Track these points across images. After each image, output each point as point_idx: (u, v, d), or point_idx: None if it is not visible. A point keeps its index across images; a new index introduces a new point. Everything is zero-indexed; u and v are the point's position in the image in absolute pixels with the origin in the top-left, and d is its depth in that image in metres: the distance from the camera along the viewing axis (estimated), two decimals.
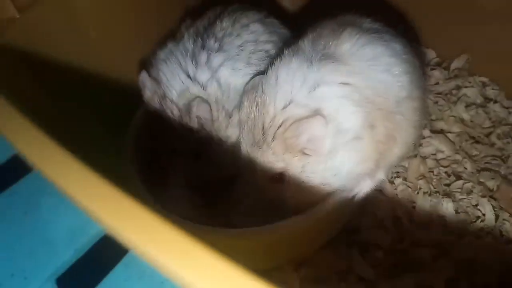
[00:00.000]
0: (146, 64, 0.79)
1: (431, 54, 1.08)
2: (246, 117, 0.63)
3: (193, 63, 0.72)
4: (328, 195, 0.64)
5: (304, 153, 0.59)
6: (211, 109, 0.70)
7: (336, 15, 0.72)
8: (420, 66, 0.74)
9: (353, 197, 0.69)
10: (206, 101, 0.69)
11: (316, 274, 0.75)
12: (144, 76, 0.74)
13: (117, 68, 0.83)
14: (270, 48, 0.76)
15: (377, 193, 0.82)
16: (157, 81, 0.73)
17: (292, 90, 0.59)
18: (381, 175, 0.70)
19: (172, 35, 0.80)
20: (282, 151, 0.59)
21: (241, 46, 0.74)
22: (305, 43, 0.65)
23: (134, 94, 0.82)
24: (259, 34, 0.76)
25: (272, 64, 0.64)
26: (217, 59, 0.72)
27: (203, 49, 0.72)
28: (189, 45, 0.74)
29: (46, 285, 0.80)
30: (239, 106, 0.67)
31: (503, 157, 0.90)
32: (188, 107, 0.69)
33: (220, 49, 0.73)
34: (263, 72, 0.66)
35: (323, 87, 0.59)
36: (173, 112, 0.71)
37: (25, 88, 0.66)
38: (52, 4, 0.73)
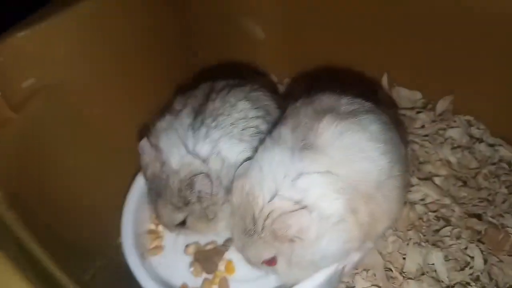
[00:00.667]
0: (146, 132, 0.82)
1: (417, 96, 1.11)
2: (238, 204, 0.67)
3: (193, 136, 0.76)
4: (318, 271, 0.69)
5: (293, 240, 0.63)
6: (212, 184, 0.74)
7: (314, 95, 0.75)
8: (400, 134, 0.77)
9: (343, 268, 0.73)
10: (209, 177, 0.73)
11: None
12: (144, 143, 0.77)
13: (114, 144, 0.87)
14: (259, 123, 0.80)
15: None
16: (157, 148, 0.77)
17: (276, 182, 0.63)
18: (369, 245, 0.74)
19: (166, 109, 0.84)
20: (272, 239, 0.63)
21: (233, 124, 0.77)
22: (286, 131, 0.69)
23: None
24: (247, 111, 0.79)
25: (257, 153, 0.69)
26: (215, 134, 0.76)
27: (202, 124, 0.76)
28: (187, 119, 0.78)
29: None
30: (231, 190, 0.71)
31: (490, 197, 0.93)
32: (191, 181, 0.73)
33: (216, 126, 0.77)
34: (251, 157, 0.71)
35: (305, 178, 0.63)
36: (174, 181, 0.74)
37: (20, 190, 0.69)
38: (49, 96, 0.76)
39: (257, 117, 0.80)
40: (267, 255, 0.65)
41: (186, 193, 0.74)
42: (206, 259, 0.83)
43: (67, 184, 0.80)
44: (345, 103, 0.73)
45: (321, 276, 0.70)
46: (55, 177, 0.77)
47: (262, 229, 0.63)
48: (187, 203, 0.74)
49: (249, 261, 0.69)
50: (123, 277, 0.80)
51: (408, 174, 0.82)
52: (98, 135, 0.85)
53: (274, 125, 0.74)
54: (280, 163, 0.64)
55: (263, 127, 0.80)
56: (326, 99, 0.74)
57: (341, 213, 0.63)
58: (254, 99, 0.82)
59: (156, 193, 0.76)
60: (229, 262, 0.83)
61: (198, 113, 0.78)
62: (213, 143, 0.75)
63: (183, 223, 0.77)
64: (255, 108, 0.81)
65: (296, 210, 0.60)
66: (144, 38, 0.90)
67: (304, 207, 0.61)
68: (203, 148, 0.75)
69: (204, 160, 0.74)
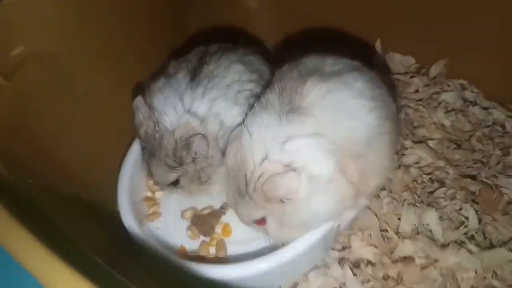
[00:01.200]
0: (140, 91, 0.82)
1: (410, 61, 1.11)
2: (231, 166, 0.68)
3: (190, 95, 0.76)
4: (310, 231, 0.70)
5: (283, 201, 0.63)
6: (208, 146, 0.74)
7: (300, 58, 0.75)
8: (390, 91, 0.77)
9: (338, 226, 0.74)
10: (206, 139, 0.73)
11: None
12: (139, 100, 0.77)
13: (107, 111, 0.87)
14: (253, 87, 0.80)
15: (365, 209, 0.86)
16: (151, 107, 0.76)
17: (265, 146, 0.64)
18: (363, 202, 0.75)
19: (160, 73, 0.84)
20: (263, 201, 0.64)
21: (228, 86, 0.78)
22: (273, 96, 0.69)
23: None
24: (241, 74, 0.80)
25: (247, 119, 0.69)
26: (213, 93, 0.76)
27: (199, 84, 0.77)
28: (184, 80, 0.78)
29: None
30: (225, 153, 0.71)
31: (484, 159, 0.94)
32: (187, 142, 0.73)
33: (213, 87, 0.77)
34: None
35: (293, 140, 0.63)
36: (169, 141, 0.74)
37: (15, 153, 0.70)
38: (40, 63, 0.76)
39: (251, 80, 0.80)
40: (258, 215, 0.66)
41: (182, 153, 0.74)
42: (203, 222, 0.83)
43: (61, 150, 0.80)
44: (329, 63, 0.73)
45: (316, 234, 0.71)
46: (49, 143, 0.78)
47: (254, 190, 0.64)
48: (181, 163, 0.75)
49: (242, 219, 0.70)
50: (122, 245, 0.81)
51: (398, 131, 0.83)
52: (91, 102, 0.85)
53: (263, 90, 0.75)
54: (268, 127, 0.65)
55: (257, 90, 0.80)
56: (310, 62, 0.74)
57: (330, 174, 0.63)
58: (248, 62, 0.82)
59: (150, 152, 0.76)
60: (226, 225, 0.84)
61: (194, 74, 0.78)
62: (210, 102, 0.75)
63: (175, 183, 0.78)
64: (249, 71, 0.81)
65: (285, 172, 0.61)
66: (135, 3, 0.89)
67: (293, 170, 0.61)
68: (201, 107, 0.75)
69: (202, 121, 0.74)
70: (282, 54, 0.81)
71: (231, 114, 0.76)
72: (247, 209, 0.66)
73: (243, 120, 0.70)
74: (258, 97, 0.75)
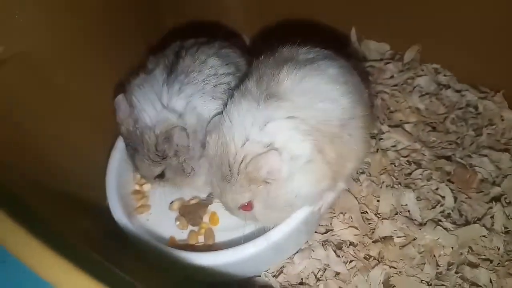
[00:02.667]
0: (121, 89, 0.83)
1: (385, 47, 1.15)
2: (213, 155, 0.70)
3: (168, 91, 0.78)
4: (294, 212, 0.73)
5: (267, 182, 0.66)
6: (188, 138, 0.77)
7: (275, 48, 0.78)
8: (361, 80, 0.81)
9: (319, 209, 0.77)
10: (185, 130, 0.76)
11: (295, 277, 0.83)
12: (120, 99, 0.79)
13: (90, 107, 0.88)
14: (230, 80, 0.82)
15: (345, 193, 0.90)
16: (131, 105, 0.78)
17: (245, 130, 0.67)
18: (341, 186, 0.78)
19: (140, 69, 0.85)
20: (247, 183, 0.67)
21: (204, 81, 0.80)
22: (251, 84, 0.72)
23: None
24: (217, 68, 0.81)
25: (226, 106, 0.71)
26: (189, 89, 0.78)
27: (176, 80, 0.78)
28: (161, 76, 0.80)
29: None
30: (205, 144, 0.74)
31: (458, 140, 0.98)
32: (168, 135, 0.75)
33: (189, 82, 0.79)
34: (221, 112, 0.73)
35: (272, 123, 0.66)
36: (150, 137, 0.76)
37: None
38: (19, 65, 0.77)
39: (228, 73, 0.83)
40: (244, 199, 0.69)
41: (164, 147, 0.76)
42: (191, 212, 0.86)
43: (47, 146, 0.81)
44: (303, 52, 0.76)
45: (298, 217, 0.74)
46: (34, 140, 0.79)
47: (238, 173, 0.66)
48: (164, 157, 0.77)
49: (228, 207, 0.73)
50: (115, 239, 0.83)
51: (372, 116, 0.86)
52: (74, 98, 0.86)
53: (242, 80, 0.77)
54: (248, 112, 0.68)
55: (234, 84, 0.82)
56: (286, 51, 0.77)
57: (308, 154, 0.66)
58: (224, 56, 0.84)
59: (133, 148, 0.78)
60: (213, 214, 0.87)
61: (171, 70, 0.80)
62: (187, 98, 0.77)
63: (161, 176, 0.80)
64: (226, 65, 0.83)
65: (267, 152, 0.64)
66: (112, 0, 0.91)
67: (274, 149, 0.64)
68: (178, 103, 0.77)
69: (180, 115, 0.77)
70: (259, 45, 0.84)
71: (208, 108, 0.78)
72: (232, 195, 0.69)
73: (223, 109, 0.72)
74: (236, 88, 0.77)
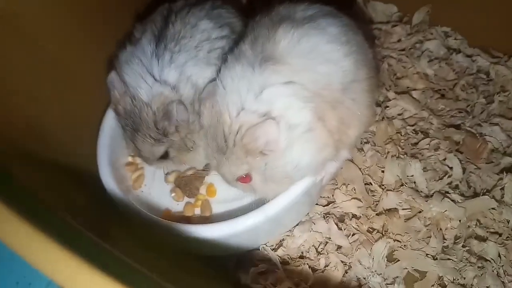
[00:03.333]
0: (110, 65, 0.79)
1: (392, 9, 1.08)
2: (208, 125, 0.66)
3: (158, 63, 0.72)
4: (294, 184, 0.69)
5: (264, 154, 0.62)
6: (187, 111, 0.72)
7: (273, 6, 0.72)
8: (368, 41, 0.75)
9: (321, 180, 0.73)
10: (183, 103, 0.71)
11: (295, 251, 0.80)
12: (113, 77, 0.74)
13: (73, 76, 0.84)
14: (224, 44, 0.76)
15: (348, 163, 0.86)
16: (124, 82, 0.74)
17: (240, 98, 0.62)
18: (344, 154, 0.74)
19: (128, 39, 0.80)
20: (244, 155, 0.63)
21: (197, 47, 0.74)
22: (246, 46, 0.67)
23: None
24: (210, 31, 0.76)
25: (220, 72, 0.67)
26: (181, 57, 0.73)
27: (165, 50, 0.73)
28: (149, 47, 0.74)
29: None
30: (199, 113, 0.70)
31: (468, 107, 0.93)
32: (166, 111, 0.71)
33: (180, 50, 0.73)
34: (215, 79, 0.68)
35: (268, 90, 0.62)
36: (148, 114, 0.72)
37: None
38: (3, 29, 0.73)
39: (222, 37, 0.77)
40: (241, 172, 0.65)
41: (164, 124, 0.72)
42: (187, 184, 0.83)
43: (39, 117, 0.77)
44: (301, 9, 0.70)
45: (300, 189, 0.70)
46: (18, 103, 0.75)
47: (234, 145, 0.62)
48: (165, 134, 0.73)
49: (225, 178, 0.69)
50: (108, 212, 0.80)
51: (377, 79, 0.81)
52: (65, 69, 0.81)
53: (237, 42, 0.72)
54: (242, 78, 0.63)
55: (230, 46, 0.76)
56: (282, 9, 0.71)
57: (308, 122, 0.62)
58: (216, 16, 0.79)
59: (133, 128, 0.74)
60: (210, 185, 0.84)
61: (159, 38, 0.74)
62: (179, 68, 0.72)
63: (165, 156, 0.76)
64: (219, 27, 0.77)
65: (263, 122, 0.60)
66: None
67: (271, 119, 0.60)
68: (170, 74, 0.72)
69: (174, 87, 0.72)
70: (257, 2, 0.78)
71: (203, 76, 0.73)
72: (229, 167, 0.65)
73: (217, 74, 0.68)
74: (230, 51, 0.72)
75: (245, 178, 0.66)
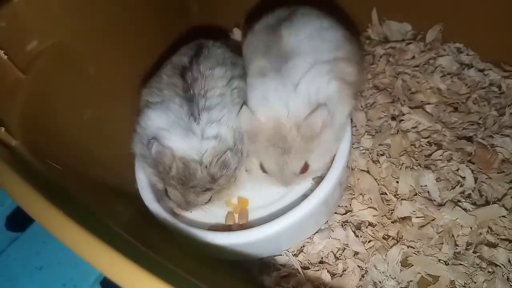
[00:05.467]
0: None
1: (407, 28, 1.14)
2: (263, 140, 0.76)
3: (198, 124, 0.77)
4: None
5: (320, 133, 0.74)
6: (236, 153, 0.79)
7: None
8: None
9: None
10: (233, 150, 0.77)
11: (315, 256, 0.86)
12: (158, 148, 0.76)
13: (115, 97, 0.92)
14: (238, 82, 0.84)
15: (364, 174, 0.92)
16: (168, 148, 0.76)
17: (284, 102, 0.74)
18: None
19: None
20: (305, 144, 0.73)
21: (221, 94, 0.80)
22: (261, 63, 0.80)
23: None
24: (225, 75, 0.83)
25: (250, 97, 0.80)
26: (215, 112, 0.78)
27: (199, 109, 0.77)
28: (183, 110, 0.78)
29: None
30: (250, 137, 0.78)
31: (480, 120, 0.97)
32: (224, 162, 0.76)
33: (211, 104, 0.78)
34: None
35: (300, 84, 0.75)
36: (202, 170, 0.76)
37: (37, 140, 0.75)
38: (53, 55, 0.81)
39: (235, 76, 0.84)
40: (302, 162, 0.76)
41: (221, 172, 0.77)
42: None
43: (79, 134, 0.85)
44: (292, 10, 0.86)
45: (320, 199, 0.77)
46: (67, 129, 0.83)
47: (294, 140, 0.73)
48: (214, 180, 0.77)
49: (286, 181, 0.78)
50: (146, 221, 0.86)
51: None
52: (103, 86, 0.90)
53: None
54: (276, 87, 0.75)
55: (242, 84, 0.84)
56: (272, 17, 0.87)
57: (337, 89, 0.76)
58: (222, 59, 0.86)
59: (182, 185, 0.76)
60: (239, 198, 0.88)
61: (188, 98, 0.79)
62: (217, 122, 0.77)
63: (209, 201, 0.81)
64: (230, 69, 0.84)
65: (315, 109, 0.72)
66: None
67: (317, 104, 0.72)
68: (212, 130, 0.77)
69: (218, 138, 0.76)
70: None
71: (234, 116, 0.79)
72: (293, 161, 0.75)
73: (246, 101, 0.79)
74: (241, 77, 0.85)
75: (304, 167, 0.77)
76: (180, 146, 0.75)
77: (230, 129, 0.78)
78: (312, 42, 0.78)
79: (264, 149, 0.76)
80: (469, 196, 0.88)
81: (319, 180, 0.80)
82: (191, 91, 0.79)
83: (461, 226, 0.85)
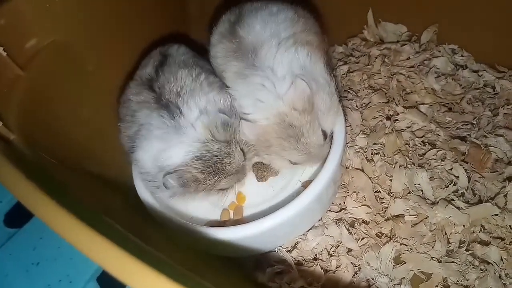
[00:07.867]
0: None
1: (402, 29, 1.15)
2: (275, 140, 0.78)
3: (191, 127, 0.77)
4: None
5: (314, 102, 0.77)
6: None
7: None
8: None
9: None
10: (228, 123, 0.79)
11: (309, 253, 0.87)
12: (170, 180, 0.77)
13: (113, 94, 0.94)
14: (202, 68, 0.88)
15: (358, 173, 0.93)
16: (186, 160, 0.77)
17: (272, 94, 0.77)
18: None
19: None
20: (309, 116, 0.76)
21: (191, 89, 0.82)
22: (236, 66, 0.82)
23: None
24: (186, 74, 0.84)
25: (236, 100, 0.82)
26: (194, 112, 0.79)
27: (178, 109, 0.79)
28: (169, 124, 0.78)
29: (88, 285, 0.95)
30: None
31: (474, 120, 0.98)
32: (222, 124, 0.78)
33: (188, 101, 0.80)
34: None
35: (277, 64, 0.79)
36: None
37: (34, 135, 0.77)
38: (52, 53, 0.83)
39: (199, 72, 0.86)
40: (318, 128, 0.79)
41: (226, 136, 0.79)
42: (262, 168, 0.91)
43: (76, 130, 0.87)
44: (238, 11, 0.90)
45: (313, 195, 0.78)
46: (64, 124, 0.85)
47: (299, 120, 0.76)
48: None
49: (317, 155, 0.81)
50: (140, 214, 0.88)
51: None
52: (100, 85, 0.92)
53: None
54: (260, 81, 0.78)
55: (211, 77, 0.86)
56: (222, 25, 0.90)
57: (305, 53, 0.80)
58: (179, 59, 0.89)
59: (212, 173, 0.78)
60: (239, 193, 0.90)
61: (163, 106, 0.80)
62: (195, 106, 0.79)
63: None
64: (192, 67, 0.86)
65: (291, 85, 0.76)
66: None
67: (297, 78, 0.75)
68: (195, 113, 0.78)
69: (201, 113, 0.78)
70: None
71: (216, 99, 0.81)
72: (311, 138, 0.78)
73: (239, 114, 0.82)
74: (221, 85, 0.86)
75: (324, 134, 0.80)
76: (185, 149, 0.77)
77: (213, 104, 0.80)
78: (268, 29, 0.82)
79: (280, 147, 0.78)
80: (462, 194, 0.89)
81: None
82: (163, 99, 0.80)
83: (454, 224, 0.85)
